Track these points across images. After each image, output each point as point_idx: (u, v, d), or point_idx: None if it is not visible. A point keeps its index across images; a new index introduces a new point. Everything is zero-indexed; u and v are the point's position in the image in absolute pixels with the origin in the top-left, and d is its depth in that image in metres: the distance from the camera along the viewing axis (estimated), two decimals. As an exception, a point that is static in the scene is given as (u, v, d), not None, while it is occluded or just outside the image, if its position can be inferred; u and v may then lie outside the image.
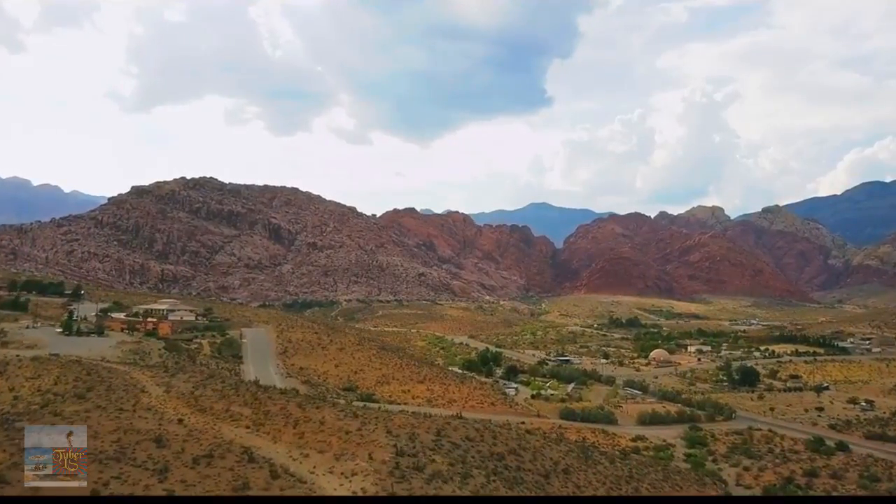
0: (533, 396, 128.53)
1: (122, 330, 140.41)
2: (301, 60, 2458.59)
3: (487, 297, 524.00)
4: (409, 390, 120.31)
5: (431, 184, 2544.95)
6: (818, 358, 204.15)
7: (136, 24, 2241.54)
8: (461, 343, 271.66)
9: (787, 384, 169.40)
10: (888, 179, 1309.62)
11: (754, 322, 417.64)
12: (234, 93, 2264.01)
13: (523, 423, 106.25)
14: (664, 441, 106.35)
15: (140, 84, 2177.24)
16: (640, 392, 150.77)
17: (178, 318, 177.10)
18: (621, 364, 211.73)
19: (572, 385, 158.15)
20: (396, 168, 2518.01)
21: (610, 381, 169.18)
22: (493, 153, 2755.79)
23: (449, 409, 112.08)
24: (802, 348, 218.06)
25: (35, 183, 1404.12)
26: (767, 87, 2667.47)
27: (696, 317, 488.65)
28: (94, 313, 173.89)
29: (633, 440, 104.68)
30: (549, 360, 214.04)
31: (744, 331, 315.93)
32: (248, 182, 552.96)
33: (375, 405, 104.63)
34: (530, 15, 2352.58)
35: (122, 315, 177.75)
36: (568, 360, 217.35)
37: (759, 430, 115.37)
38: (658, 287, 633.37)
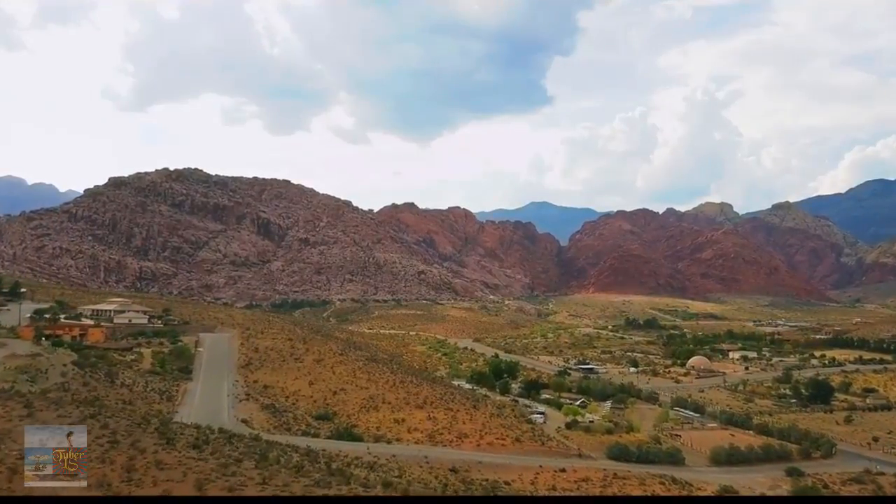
0: (568, 426, 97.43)
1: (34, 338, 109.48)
2: (299, 58, 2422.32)
3: (491, 297, 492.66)
4: (403, 419, 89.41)
5: (431, 183, 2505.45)
6: (888, 366, 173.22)
7: (131, 21, 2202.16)
8: (466, 348, 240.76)
9: (868, 401, 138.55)
10: (892, 177, 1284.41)
11: (781, 323, 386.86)
12: (232, 91, 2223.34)
13: (563, 470, 75.72)
14: (763, 495, 75.37)
15: (136, 82, 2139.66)
16: (696, 414, 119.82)
17: (126, 321, 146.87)
18: (655, 374, 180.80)
19: (608, 405, 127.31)
20: (396, 167, 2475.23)
21: (652, 397, 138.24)
22: (493, 152, 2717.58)
23: (459, 447, 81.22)
24: (867, 355, 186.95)
25: (30, 182, 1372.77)
26: (770, 86, 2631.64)
27: (714, 317, 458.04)
28: (28, 314, 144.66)
29: (720, 493, 73.39)
30: (571, 369, 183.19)
31: (778, 333, 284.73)
32: (237, 174, 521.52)
33: (355, 447, 74.13)
34: (531, 12, 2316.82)
35: (60, 317, 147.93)
36: (592, 369, 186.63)
37: (882, 473, 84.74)
38: (670, 286, 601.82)
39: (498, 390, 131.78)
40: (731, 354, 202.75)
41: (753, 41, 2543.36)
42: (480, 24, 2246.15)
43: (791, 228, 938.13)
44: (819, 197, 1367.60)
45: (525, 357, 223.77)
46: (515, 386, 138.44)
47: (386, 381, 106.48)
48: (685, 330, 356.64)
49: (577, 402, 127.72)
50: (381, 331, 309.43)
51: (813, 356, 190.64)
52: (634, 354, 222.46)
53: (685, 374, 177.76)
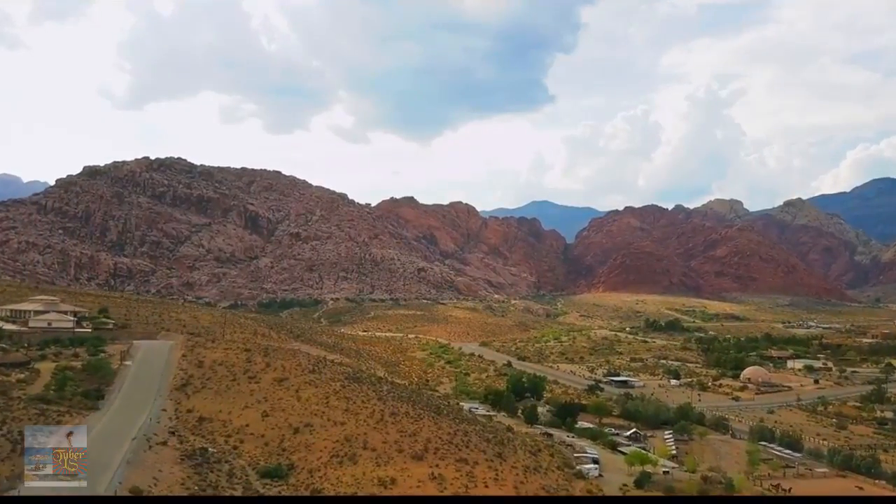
0: (638, 482, 65.84)
1: None
2: (298, 56, 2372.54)
3: (496, 296, 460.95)
4: (393, 479, 58.26)
5: (431, 183, 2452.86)
6: None
7: (127, 18, 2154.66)
8: (472, 354, 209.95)
9: None
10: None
11: (813, 324, 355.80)
12: (230, 89, 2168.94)
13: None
14: None
15: (133, 80, 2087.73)
16: (795, 453, 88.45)
17: (45, 324, 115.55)
18: (703, 388, 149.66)
19: (670, 436, 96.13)
20: (396, 167, 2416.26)
21: (720, 424, 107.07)
22: (494, 151, 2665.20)
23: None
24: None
25: (25, 180, 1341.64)
26: (773, 84, 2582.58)
27: (736, 318, 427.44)
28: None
29: None
30: (601, 383, 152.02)
31: (821, 336, 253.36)
32: (223, 164, 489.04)
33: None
34: (533, 7, 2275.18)
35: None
36: (626, 382, 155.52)
37: None
38: (684, 285, 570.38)
39: (522, 416, 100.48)
40: (789, 363, 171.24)
41: (757, 39, 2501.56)
42: (481, 20, 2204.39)
43: (803, 226, 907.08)
44: (823, 196, 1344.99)
45: (542, 366, 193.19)
46: (543, 410, 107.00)
47: (371, 411, 75.08)
48: (710, 332, 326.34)
49: (629, 433, 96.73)
50: (377, 333, 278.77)
51: (892, 366, 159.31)
52: (669, 362, 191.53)
53: (741, 389, 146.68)
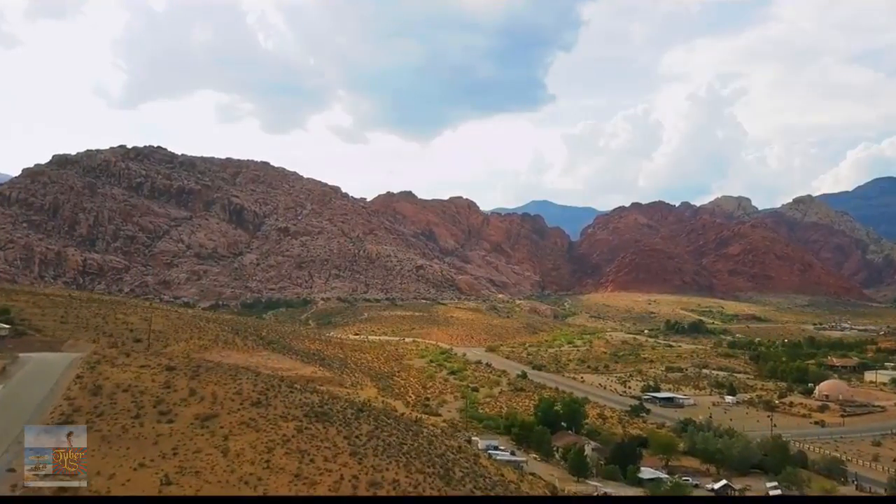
0: None
1: None
2: (296, 55, 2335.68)
3: (500, 296, 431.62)
4: None
5: (431, 182, 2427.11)
6: None
7: (123, 15, 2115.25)
8: (479, 362, 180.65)
9: None
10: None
11: (846, 326, 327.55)
12: (228, 88, 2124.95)
13: None
14: None
15: (129, 79, 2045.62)
16: None
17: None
18: (770, 407, 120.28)
19: (776, 491, 66.80)
20: (395, 166, 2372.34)
21: (834, 468, 77.83)
22: (494, 150, 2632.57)
23: None
24: None
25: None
26: (775, 83, 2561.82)
27: (757, 319, 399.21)
28: None
29: None
30: (643, 401, 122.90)
31: (874, 340, 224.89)
32: (208, 154, 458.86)
33: None
34: (533, 7, 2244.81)
35: None
36: (672, 400, 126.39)
37: None
38: (696, 284, 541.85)
39: (564, 462, 71.03)
40: (867, 375, 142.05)
41: (758, 38, 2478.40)
42: (481, 18, 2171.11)
43: (814, 224, 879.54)
44: (826, 195, 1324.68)
45: (561, 376, 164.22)
46: (588, 448, 77.45)
47: (337, 478, 45.31)
48: (737, 335, 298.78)
49: (716, 486, 67.33)
50: (371, 337, 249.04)
51: None
52: (714, 373, 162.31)
53: (821, 409, 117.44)
